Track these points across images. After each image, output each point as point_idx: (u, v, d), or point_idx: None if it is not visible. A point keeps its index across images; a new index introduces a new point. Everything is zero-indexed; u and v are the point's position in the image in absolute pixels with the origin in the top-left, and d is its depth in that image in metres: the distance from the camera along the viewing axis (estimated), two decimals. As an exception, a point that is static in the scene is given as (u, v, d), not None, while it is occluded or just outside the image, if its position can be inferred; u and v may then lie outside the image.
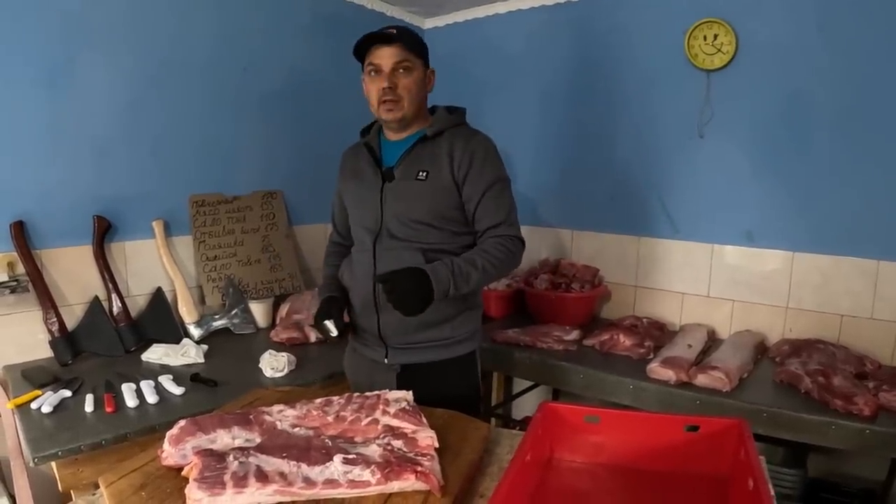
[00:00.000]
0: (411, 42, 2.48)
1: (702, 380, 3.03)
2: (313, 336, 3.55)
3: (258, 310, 3.89)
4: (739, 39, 3.55)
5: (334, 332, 2.54)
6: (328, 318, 2.56)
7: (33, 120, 3.10)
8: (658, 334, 3.70)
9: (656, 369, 3.14)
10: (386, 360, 2.62)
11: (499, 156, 2.59)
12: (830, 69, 3.34)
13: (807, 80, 3.41)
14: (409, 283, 2.27)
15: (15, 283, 3.04)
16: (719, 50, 3.60)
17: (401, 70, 2.45)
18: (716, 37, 3.60)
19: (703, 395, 2.98)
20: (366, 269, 2.58)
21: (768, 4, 3.47)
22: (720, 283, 3.84)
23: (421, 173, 2.50)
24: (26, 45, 3.04)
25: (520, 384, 4.68)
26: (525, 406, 4.83)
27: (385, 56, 2.44)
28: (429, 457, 1.68)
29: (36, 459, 2.30)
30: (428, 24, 5.05)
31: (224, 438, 1.81)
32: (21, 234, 3.07)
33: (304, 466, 1.62)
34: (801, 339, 3.46)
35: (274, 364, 3.07)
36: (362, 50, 2.51)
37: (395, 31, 2.45)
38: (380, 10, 4.64)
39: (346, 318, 2.66)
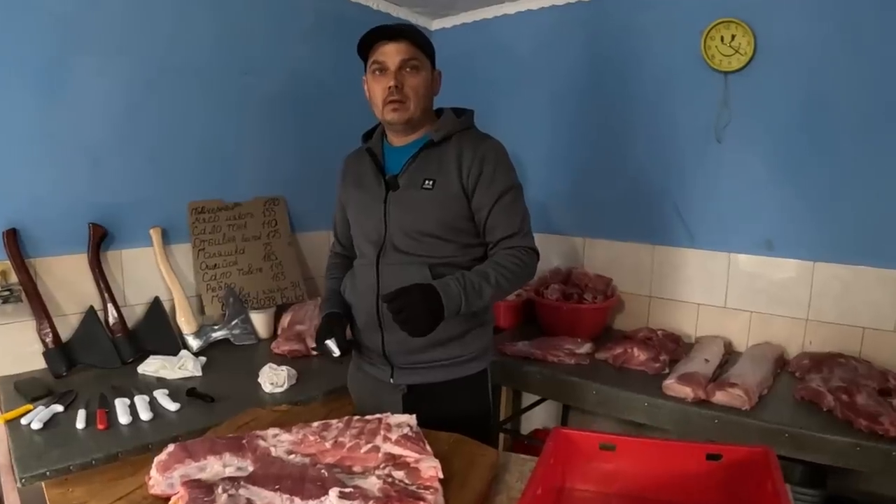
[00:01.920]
0: (420, 39, 2.38)
1: (720, 397, 2.94)
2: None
3: (259, 320, 3.83)
4: (758, 40, 3.47)
5: (336, 353, 2.45)
6: (330, 337, 2.46)
7: (26, 125, 3.04)
8: (673, 347, 3.62)
9: (673, 386, 3.05)
10: (392, 381, 2.51)
11: (510, 162, 2.48)
12: (851, 71, 3.26)
13: (827, 82, 3.34)
14: (417, 303, 2.13)
15: (8, 293, 2.99)
16: (737, 51, 3.51)
17: (408, 68, 2.35)
18: (733, 37, 3.52)
19: (722, 413, 2.88)
20: (369, 284, 2.47)
21: (787, 4, 3.40)
22: (737, 294, 3.75)
23: (427, 181, 2.39)
24: (18, 48, 2.99)
25: (529, 397, 4.60)
26: (534, 420, 4.78)
27: (391, 53, 2.34)
28: (432, 490, 1.60)
29: (23, 480, 2.23)
30: (435, 24, 5.01)
31: (214, 466, 1.74)
32: (14, 242, 3.01)
33: (297, 500, 1.55)
34: (821, 353, 3.37)
35: (273, 379, 3.00)
36: (366, 47, 2.41)
37: (402, 27, 2.36)
38: (385, 11, 4.59)
39: (350, 336, 2.58)
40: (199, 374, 3.15)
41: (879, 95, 3.20)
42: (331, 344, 2.45)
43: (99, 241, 3.28)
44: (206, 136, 3.71)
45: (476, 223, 2.44)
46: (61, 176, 3.18)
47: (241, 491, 1.55)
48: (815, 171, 3.40)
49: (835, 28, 3.28)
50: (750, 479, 1.66)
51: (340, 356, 2.48)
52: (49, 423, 2.57)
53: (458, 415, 2.29)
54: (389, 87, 2.34)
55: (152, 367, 3.16)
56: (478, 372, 2.52)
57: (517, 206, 2.43)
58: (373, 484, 1.61)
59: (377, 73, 2.37)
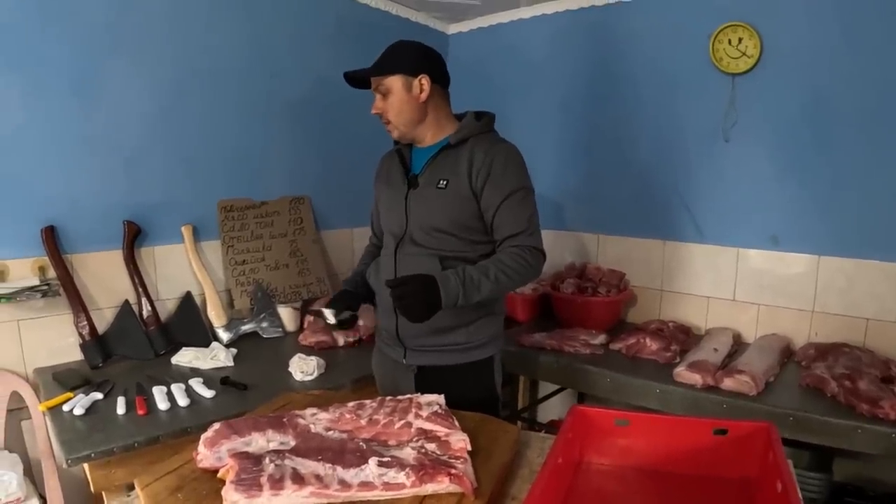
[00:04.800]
0: (378, 66, 2.55)
1: (728, 384, 3.03)
2: (342, 340, 3.58)
3: (286, 314, 3.91)
4: (764, 43, 3.54)
5: (331, 321, 2.60)
6: (329, 307, 2.63)
7: (65, 128, 3.14)
8: (684, 338, 3.70)
9: (683, 373, 3.14)
10: (404, 361, 2.65)
11: (522, 165, 2.56)
12: (855, 72, 3.33)
13: (831, 83, 3.41)
14: (416, 293, 2.26)
15: (46, 287, 3.08)
16: (744, 54, 3.59)
17: (379, 95, 2.56)
18: (740, 40, 3.59)
19: (730, 398, 2.98)
20: (388, 272, 2.61)
21: (793, 8, 3.46)
22: (745, 287, 3.83)
23: (441, 181, 2.51)
24: (58, 55, 3.08)
25: (545, 388, 4.68)
26: (550, 410, 4.83)
27: (372, 84, 2.57)
28: (462, 459, 1.70)
29: (69, 461, 2.32)
30: (452, 29, 5.06)
31: (259, 441, 1.83)
32: (52, 239, 3.11)
33: (339, 469, 1.64)
34: (826, 343, 3.44)
35: (303, 367, 3.10)
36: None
37: (358, 72, 2.61)
38: (405, 17, 4.65)
39: (353, 313, 2.72)
40: (231, 364, 3.25)
41: (881, 95, 3.27)
42: (326, 312, 2.61)
43: (133, 238, 3.38)
44: (235, 137, 3.80)
45: (485, 222, 2.53)
46: (98, 176, 3.27)
47: (287, 461, 1.64)
48: (820, 168, 3.48)
49: (838, 31, 3.35)
50: (754, 451, 1.75)
51: (336, 326, 2.65)
52: (90, 410, 2.67)
53: (465, 397, 2.34)
54: (374, 114, 2.61)
55: (186, 357, 3.26)
56: (484, 358, 2.63)
57: (524, 207, 2.50)
58: (408, 454, 1.71)
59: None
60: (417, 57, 2.55)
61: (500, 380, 2.74)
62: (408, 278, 2.32)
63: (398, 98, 2.52)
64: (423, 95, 2.53)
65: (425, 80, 2.52)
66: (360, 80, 2.60)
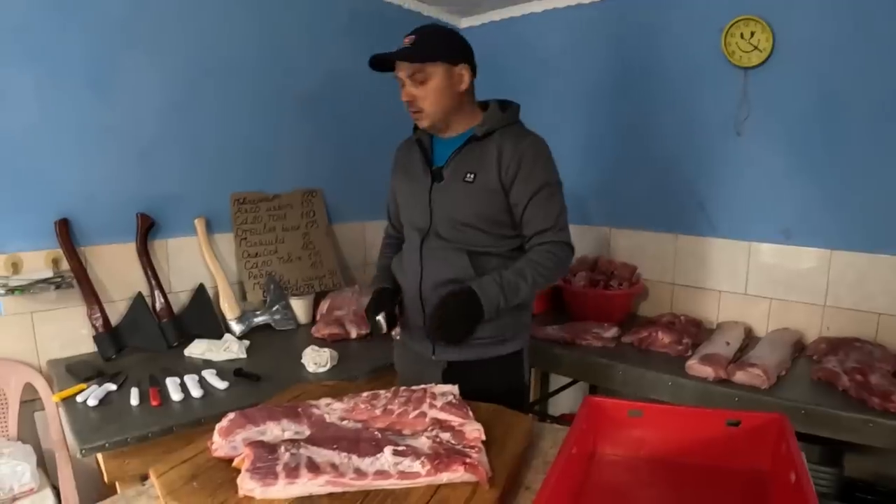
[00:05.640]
0: (422, 49, 2.38)
1: (740, 377, 3.04)
2: (354, 332, 3.58)
3: (299, 306, 3.92)
4: (776, 37, 3.54)
5: (385, 329, 2.56)
6: (379, 312, 2.56)
7: (79, 121, 3.16)
8: (696, 331, 3.70)
9: (695, 366, 3.15)
10: (433, 356, 2.59)
11: (551, 158, 2.52)
12: (867, 66, 3.33)
13: (842, 77, 3.41)
14: (454, 317, 2.29)
15: (60, 280, 3.10)
16: (756, 47, 3.59)
17: (415, 82, 2.41)
18: (752, 34, 3.59)
19: (742, 391, 2.99)
20: (413, 268, 2.57)
21: (805, 2, 3.46)
22: (757, 281, 3.83)
23: (469, 175, 2.45)
24: (73, 49, 3.10)
25: (556, 381, 4.69)
26: (562, 403, 4.85)
27: (401, 71, 2.42)
28: (476, 449, 1.71)
29: (83, 451, 2.34)
30: (464, 23, 5.08)
31: (274, 430, 1.84)
32: (66, 232, 3.13)
33: (354, 458, 1.65)
34: (838, 338, 3.45)
35: (317, 359, 3.10)
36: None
37: (408, 43, 2.39)
38: (416, 10, 4.67)
39: (397, 312, 2.67)
40: (244, 356, 3.26)
41: (893, 89, 3.27)
42: (381, 320, 2.54)
43: (146, 231, 3.40)
44: (247, 130, 3.82)
45: (513, 216, 2.49)
46: (111, 169, 3.29)
47: (302, 450, 1.65)
48: (832, 162, 3.48)
49: (850, 25, 3.34)
50: (766, 443, 1.76)
51: (388, 331, 2.58)
52: (104, 401, 2.69)
53: (494, 391, 2.32)
54: (404, 101, 2.46)
55: (199, 349, 3.28)
56: (512, 352, 2.59)
57: (554, 202, 2.47)
58: (423, 443, 1.73)
59: (399, 85, 2.46)
60: (459, 45, 2.48)
61: (528, 372, 2.73)
62: (447, 299, 2.33)
63: (437, 87, 2.41)
64: (463, 86, 2.47)
65: (465, 71, 2.47)
66: (382, 62, 2.43)
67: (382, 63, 2.43)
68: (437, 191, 2.52)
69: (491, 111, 2.53)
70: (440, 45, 2.42)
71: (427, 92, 2.41)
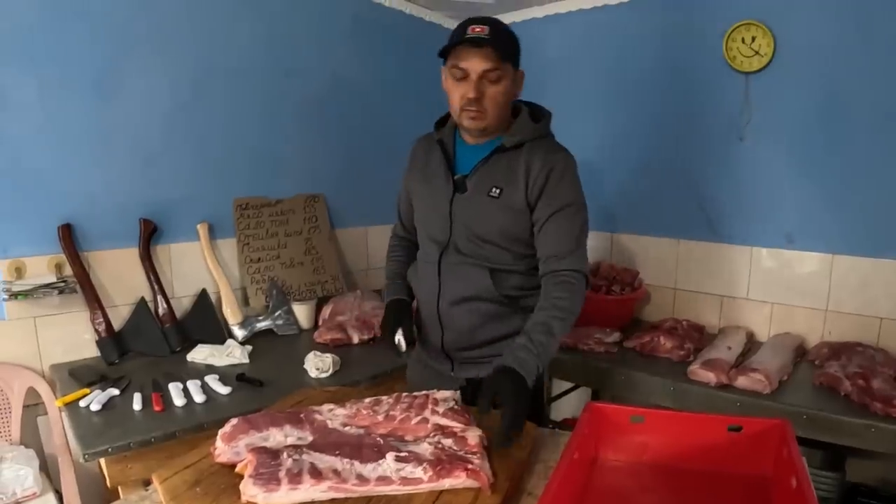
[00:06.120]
0: (504, 47, 2.18)
1: (742, 382, 3.04)
2: (356, 337, 3.57)
3: (301, 311, 3.93)
4: (777, 41, 3.54)
5: (404, 348, 2.43)
6: (397, 330, 2.45)
7: (81, 125, 3.17)
8: (698, 336, 3.70)
9: (697, 371, 3.16)
10: (452, 373, 2.53)
11: (577, 177, 2.36)
12: (867, 71, 3.33)
13: (844, 82, 3.41)
14: (522, 409, 1.93)
15: (63, 284, 3.11)
16: (757, 52, 3.59)
17: (489, 78, 2.20)
18: (753, 39, 3.59)
19: (744, 396, 2.99)
20: (431, 283, 2.46)
21: (806, 6, 3.46)
22: (759, 286, 3.83)
23: (494, 189, 2.31)
24: (74, 52, 3.11)
25: (558, 386, 4.67)
26: (563, 408, 4.84)
27: (474, 61, 2.17)
28: (479, 454, 1.71)
29: (86, 456, 2.35)
30: (466, 28, 5.02)
31: (277, 436, 1.84)
32: (69, 237, 3.14)
33: (356, 464, 1.66)
34: (840, 342, 3.44)
35: (319, 364, 3.10)
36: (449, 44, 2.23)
37: (487, 34, 2.15)
38: (419, 16, 4.66)
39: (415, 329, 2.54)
40: (247, 361, 3.27)
41: (894, 93, 3.27)
42: (400, 339, 2.42)
43: (149, 236, 3.41)
44: (250, 135, 3.82)
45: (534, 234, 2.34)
46: (114, 174, 3.30)
47: (304, 456, 1.66)
48: (833, 166, 3.48)
49: (851, 29, 3.35)
50: (768, 448, 1.76)
51: (407, 350, 2.44)
52: (107, 406, 2.70)
53: None
54: (469, 98, 2.20)
55: (201, 354, 3.28)
56: None
57: (573, 224, 2.31)
58: (424, 449, 1.73)
59: (457, 76, 2.23)
60: (519, 51, 2.30)
61: (546, 386, 2.67)
62: (509, 399, 1.92)
63: (505, 90, 2.25)
64: (519, 91, 2.38)
65: (521, 77, 2.36)
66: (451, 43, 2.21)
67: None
68: (458, 202, 2.38)
69: (522, 121, 2.38)
70: (513, 45, 2.27)
71: (496, 93, 2.23)
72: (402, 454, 1.68)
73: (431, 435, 1.84)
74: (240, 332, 3.64)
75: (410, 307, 2.60)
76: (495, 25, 2.20)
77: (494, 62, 2.16)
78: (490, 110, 2.24)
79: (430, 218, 2.49)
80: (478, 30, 2.15)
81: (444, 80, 2.31)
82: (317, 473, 1.61)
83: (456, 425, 1.90)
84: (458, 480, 1.61)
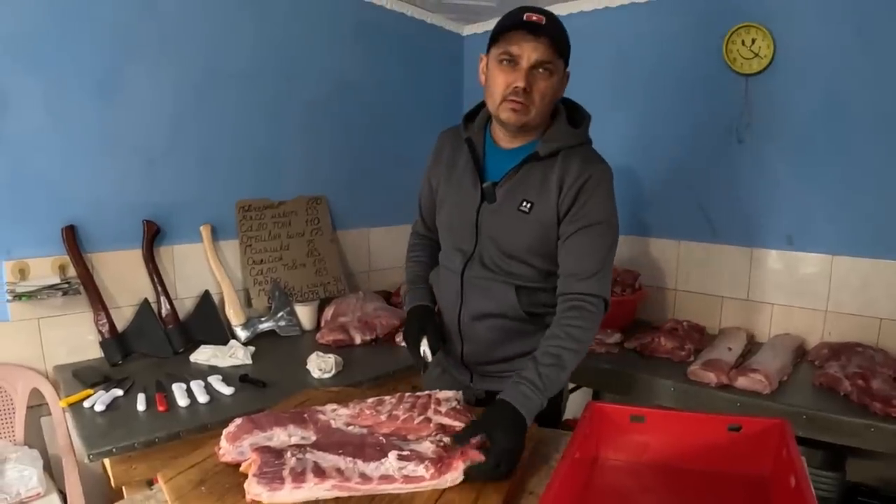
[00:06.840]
0: (560, 40, 2.06)
1: (742, 382, 3.05)
2: (358, 338, 3.58)
3: (303, 312, 3.94)
4: (777, 44, 3.56)
5: (430, 359, 2.31)
6: (421, 339, 2.31)
7: (85, 128, 3.18)
8: (698, 337, 3.71)
9: (697, 371, 3.17)
10: (471, 385, 2.45)
11: (612, 193, 2.22)
12: (868, 72, 3.35)
13: (843, 83, 3.42)
14: (514, 448, 1.77)
15: (66, 286, 3.12)
16: (757, 54, 3.61)
17: (541, 70, 2.05)
18: (753, 41, 3.61)
19: (744, 397, 3.00)
20: (453, 294, 2.34)
21: (805, 9, 3.48)
22: (759, 287, 3.84)
23: (525, 203, 2.16)
24: (78, 56, 3.12)
25: (558, 387, 4.67)
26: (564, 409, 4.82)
27: (528, 49, 2.02)
28: (480, 452, 1.72)
29: (91, 456, 2.36)
30: (466, 30, 5.08)
31: (280, 436, 1.85)
32: (72, 238, 3.14)
33: (359, 462, 1.67)
34: (840, 343, 3.45)
35: (322, 365, 3.11)
36: (500, 29, 2.06)
37: (545, 23, 2.01)
38: (420, 18, 4.66)
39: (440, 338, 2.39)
40: (249, 362, 3.28)
41: (893, 95, 3.29)
42: (426, 349, 2.29)
43: (152, 238, 3.41)
44: (253, 138, 3.83)
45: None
46: (118, 176, 3.31)
47: (308, 455, 1.67)
48: (833, 168, 3.49)
49: (851, 32, 3.36)
50: (768, 448, 1.77)
51: (433, 360, 2.33)
52: (111, 406, 2.71)
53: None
54: (517, 88, 2.04)
55: (204, 355, 3.29)
56: None
57: (600, 244, 2.15)
58: (426, 448, 1.73)
59: (505, 63, 2.06)
60: (570, 50, 2.15)
61: (564, 398, 2.61)
62: (501, 444, 1.75)
63: (556, 85, 2.12)
64: (563, 90, 2.24)
65: (567, 78, 2.21)
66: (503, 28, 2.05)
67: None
68: (486, 212, 2.23)
69: (559, 126, 2.23)
70: (568, 41, 2.12)
71: (545, 87, 2.08)
72: (405, 453, 1.69)
73: (434, 434, 1.85)
74: (242, 334, 3.66)
75: (433, 314, 2.46)
76: (552, 17, 2.06)
77: (549, 54, 2.03)
78: (536, 105, 2.08)
79: (455, 225, 2.34)
80: (535, 17, 2.00)
81: (485, 68, 2.17)
82: (320, 472, 1.62)
83: (458, 424, 1.91)
84: (458, 473, 1.65)
